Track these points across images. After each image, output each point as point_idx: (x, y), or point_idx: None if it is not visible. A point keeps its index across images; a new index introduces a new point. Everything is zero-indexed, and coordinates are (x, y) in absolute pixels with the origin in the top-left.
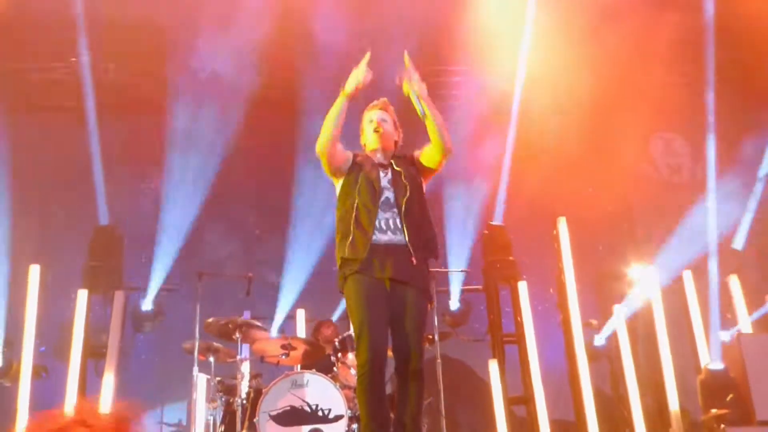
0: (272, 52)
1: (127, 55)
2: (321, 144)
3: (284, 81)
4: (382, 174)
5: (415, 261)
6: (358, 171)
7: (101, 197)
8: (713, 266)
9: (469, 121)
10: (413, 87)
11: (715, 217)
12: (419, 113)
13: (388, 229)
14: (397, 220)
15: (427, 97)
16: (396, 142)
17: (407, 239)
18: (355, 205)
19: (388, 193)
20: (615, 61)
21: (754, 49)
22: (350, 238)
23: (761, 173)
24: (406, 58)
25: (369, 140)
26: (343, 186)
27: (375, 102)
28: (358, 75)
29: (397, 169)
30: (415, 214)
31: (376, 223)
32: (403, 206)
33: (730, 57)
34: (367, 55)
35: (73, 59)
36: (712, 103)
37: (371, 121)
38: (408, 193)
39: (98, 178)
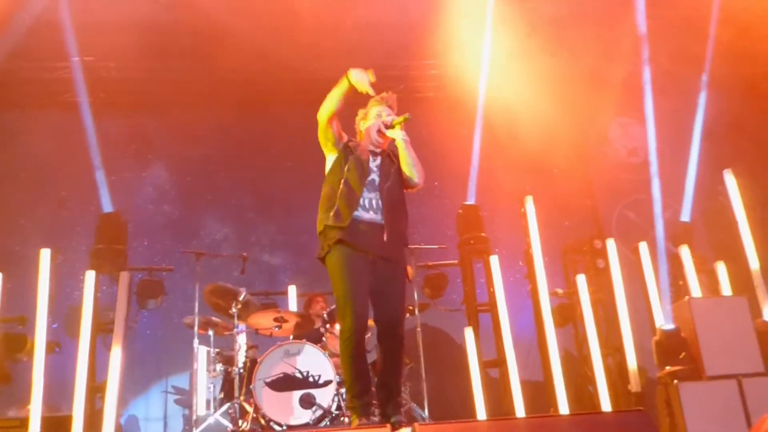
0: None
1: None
2: (322, 115)
3: (273, 75)
4: (372, 158)
5: (388, 238)
6: (349, 153)
7: (103, 187)
8: (660, 238)
9: (440, 112)
10: (397, 135)
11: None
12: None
13: (371, 208)
14: (379, 202)
15: (407, 141)
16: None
17: (385, 219)
18: (343, 180)
19: (374, 176)
20: (576, 54)
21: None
22: (335, 209)
23: None
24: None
25: (372, 133)
26: (333, 164)
27: (386, 95)
28: (365, 81)
29: (388, 158)
30: (394, 200)
31: (361, 201)
32: (385, 190)
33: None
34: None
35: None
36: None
37: (379, 115)
38: (390, 181)
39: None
